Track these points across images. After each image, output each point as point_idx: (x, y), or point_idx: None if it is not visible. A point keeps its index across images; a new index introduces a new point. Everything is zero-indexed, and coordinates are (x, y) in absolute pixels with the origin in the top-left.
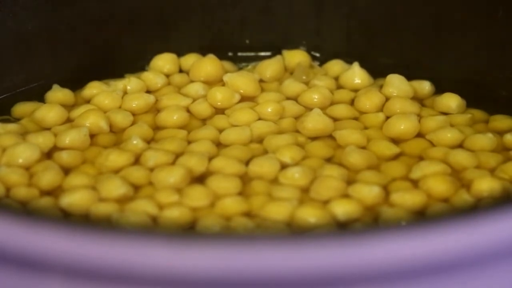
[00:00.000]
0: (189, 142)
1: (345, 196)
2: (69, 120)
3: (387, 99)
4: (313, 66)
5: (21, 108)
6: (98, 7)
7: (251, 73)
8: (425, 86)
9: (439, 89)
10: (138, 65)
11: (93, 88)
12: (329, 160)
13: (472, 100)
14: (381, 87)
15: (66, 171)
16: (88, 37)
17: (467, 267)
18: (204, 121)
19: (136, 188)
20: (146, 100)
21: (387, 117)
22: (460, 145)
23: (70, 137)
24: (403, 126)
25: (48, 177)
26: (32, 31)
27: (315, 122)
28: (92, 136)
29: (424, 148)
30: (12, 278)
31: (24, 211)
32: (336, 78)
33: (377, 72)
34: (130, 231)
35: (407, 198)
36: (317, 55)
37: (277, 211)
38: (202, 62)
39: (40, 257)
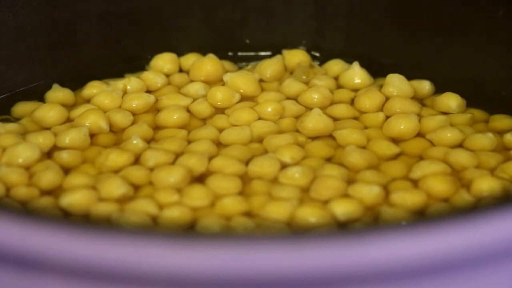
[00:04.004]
0: (189, 142)
1: (345, 196)
2: (69, 120)
3: (387, 98)
4: (313, 66)
5: (21, 108)
6: (98, 7)
7: (251, 73)
8: (425, 86)
9: (439, 89)
10: (138, 65)
11: (93, 88)
12: (329, 160)
13: (472, 100)
14: (381, 87)
15: (66, 171)
16: (88, 37)
17: (467, 267)
18: (204, 121)
19: (136, 188)
20: (146, 100)
21: (387, 117)
22: (460, 145)
23: (70, 137)
24: (403, 125)
25: (48, 177)
26: (32, 31)
27: (315, 122)
28: (92, 136)
29: (424, 148)
30: (12, 278)
31: (24, 211)
32: (336, 78)
33: (377, 72)
34: (130, 231)
35: (407, 198)
36: (317, 55)
37: (277, 211)
38: (202, 62)
39: (40, 257)
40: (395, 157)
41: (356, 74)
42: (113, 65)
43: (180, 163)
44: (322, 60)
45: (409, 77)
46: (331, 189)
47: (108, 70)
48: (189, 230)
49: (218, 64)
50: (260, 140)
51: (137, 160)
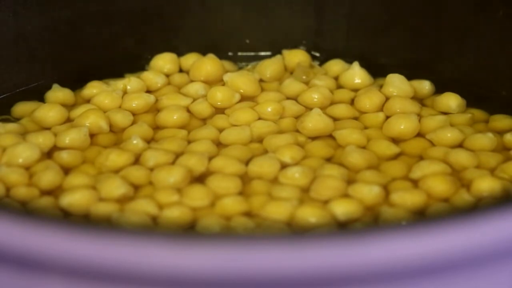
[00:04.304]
0: (189, 142)
1: (345, 196)
2: (69, 120)
3: (387, 98)
4: (313, 66)
5: (21, 108)
6: (98, 7)
7: (251, 73)
8: (425, 86)
9: (439, 89)
10: (138, 65)
11: (93, 88)
12: (329, 160)
13: (472, 100)
14: (381, 86)
15: (66, 171)
16: (88, 37)
17: (467, 267)
18: (204, 121)
19: (136, 188)
20: (146, 100)
21: (387, 117)
22: (460, 145)
23: (70, 137)
24: (403, 125)
25: (48, 177)
26: (32, 31)
27: (315, 121)
28: (92, 136)
29: (424, 148)
30: (12, 278)
31: (24, 211)
32: (336, 78)
33: (377, 72)
34: (130, 231)
35: (407, 198)
36: (317, 55)
37: (277, 211)
38: (202, 62)
39: (40, 257)
40: (395, 157)
41: (356, 74)
42: (113, 65)
43: (180, 163)
44: (322, 60)
45: (409, 77)
46: (331, 189)
47: (108, 70)
48: (189, 230)
49: (218, 64)
50: (260, 140)
51: (137, 160)
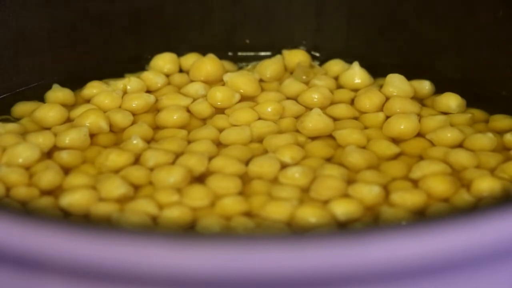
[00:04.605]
0: (189, 142)
1: (345, 196)
2: (69, 120)
3: (387, 98)
4: (313, 66)
5: (21, 108)
6: (98, 7)
7: (251, 73)
8: (425, 86)
9: (439, 89)
10: (138, 65)
11: (93, 88)
12: (329, 160)
13: (472, 100)
14: (381, 86)
15: (66, 171)
16: (88, 37)
17: (467, 267)
18: (204, 121)
19: (136, 188)
20: (146, 100)
21: (387, 117)
22: (460, 145)
23: (70, 137)
24: (403, 125)
25: (48, 177)
26: (32, 31)
27: (315, 121)
28: (92, 136)
29: (424, 148)
30: (12, 278)
31: (24, 211)
32: (336, 78)
33: (377, 72)
34: (130, 231)
35: (407, 198)
36: (317, 55)
37: (277, 211)
38: (202, 62)
39: (40, 257)
40: (395, 157)
41: (356, 74)
42: (113, 65)
43: (180, 163)
44: (322, 60)
45: (409, 77)
46: (331, 189)
47: (108, 70)
48: (189, 230)
49: (218, 64)
50: (260, 140)
51: (137, 160)
